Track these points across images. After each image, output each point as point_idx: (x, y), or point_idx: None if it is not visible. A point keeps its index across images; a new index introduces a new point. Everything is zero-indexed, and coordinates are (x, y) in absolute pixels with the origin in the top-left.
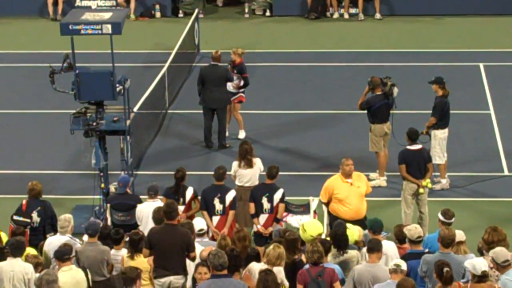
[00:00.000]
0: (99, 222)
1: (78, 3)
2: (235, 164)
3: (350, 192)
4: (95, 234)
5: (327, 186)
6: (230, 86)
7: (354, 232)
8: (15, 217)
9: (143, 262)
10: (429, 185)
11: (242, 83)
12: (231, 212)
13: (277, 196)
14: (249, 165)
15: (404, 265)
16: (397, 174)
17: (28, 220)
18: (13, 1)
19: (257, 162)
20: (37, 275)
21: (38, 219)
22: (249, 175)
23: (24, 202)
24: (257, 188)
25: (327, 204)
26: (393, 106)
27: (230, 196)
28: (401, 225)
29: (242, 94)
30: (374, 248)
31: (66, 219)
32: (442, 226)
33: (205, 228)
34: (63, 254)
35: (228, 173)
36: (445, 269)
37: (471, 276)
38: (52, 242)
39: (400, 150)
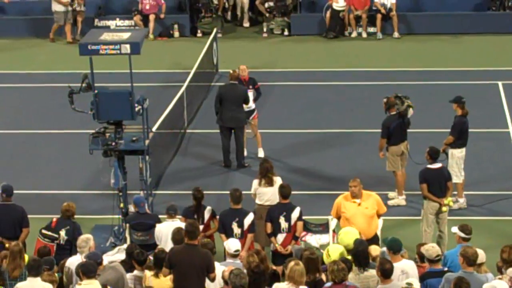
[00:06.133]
0: (92, 261)
1: (96, 23)
2: (255, 182)
3: (357, 212)
4: (94, 272)
5: (336, 203)
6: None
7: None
8: (43, 231)
9: (166, 280)
10: (451, 204)
11: (253, 96)
12: (250, 236)
13: (295, 215)
14: (270, 183)
15: (416, 283)
16: (416, 193)
17: (56, 235)
18: (32, 22)
19: (278, 181)
20: None
21: (65, 237)
22: (269, 194)
23: (54, 219)
24: (273, 208)
25: (338, 219)
26: (407, 125)
27: (248, 220)
28: (423, 244)
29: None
30: (391, 273)
31: (83, 239)
32: (462, 242)
33: (241, 249)
34: (88, 272)
35: (247, 192)
36: None
37: None
38: (73, 262)
39: (421, 169)
